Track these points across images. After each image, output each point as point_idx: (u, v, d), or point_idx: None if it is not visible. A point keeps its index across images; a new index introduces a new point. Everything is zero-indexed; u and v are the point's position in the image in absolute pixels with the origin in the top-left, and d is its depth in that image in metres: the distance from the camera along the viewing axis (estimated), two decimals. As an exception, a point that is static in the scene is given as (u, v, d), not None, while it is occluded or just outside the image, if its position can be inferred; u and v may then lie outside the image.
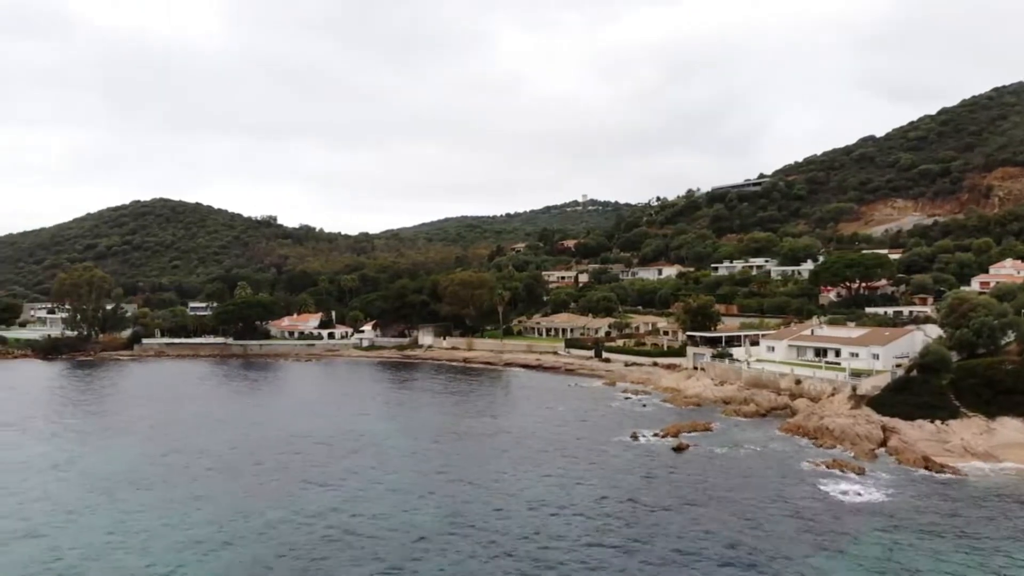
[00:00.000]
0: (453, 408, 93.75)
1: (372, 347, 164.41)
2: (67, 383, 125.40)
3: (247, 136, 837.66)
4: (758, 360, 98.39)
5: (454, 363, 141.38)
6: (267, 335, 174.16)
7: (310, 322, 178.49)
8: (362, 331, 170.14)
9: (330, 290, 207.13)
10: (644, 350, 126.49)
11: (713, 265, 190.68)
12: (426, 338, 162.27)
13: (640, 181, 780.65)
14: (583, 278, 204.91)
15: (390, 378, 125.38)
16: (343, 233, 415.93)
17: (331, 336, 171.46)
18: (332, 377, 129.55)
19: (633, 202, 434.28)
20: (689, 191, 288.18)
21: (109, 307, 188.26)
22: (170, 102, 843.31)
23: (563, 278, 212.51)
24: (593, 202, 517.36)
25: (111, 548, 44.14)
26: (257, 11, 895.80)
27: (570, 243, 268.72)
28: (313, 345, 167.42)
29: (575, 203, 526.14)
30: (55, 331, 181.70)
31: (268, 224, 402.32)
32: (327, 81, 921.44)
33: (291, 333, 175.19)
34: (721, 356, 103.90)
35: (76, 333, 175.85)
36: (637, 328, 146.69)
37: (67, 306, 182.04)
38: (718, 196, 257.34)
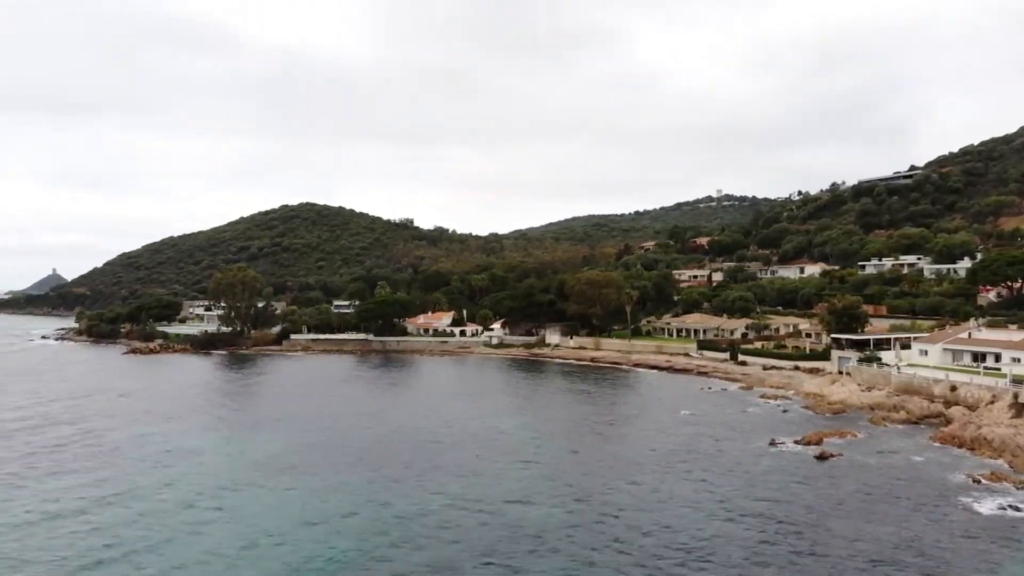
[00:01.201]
0: (582, 407, 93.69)
1: (501, 345, 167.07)
2: (224, 376, 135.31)
3: (390, 141, 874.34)
4: (909, 365, 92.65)
5: (581, 362, 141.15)
6: (404, 332, 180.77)
7: (443, 320, 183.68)
8: (491, 329, 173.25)
9: (461, 289, 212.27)
10: (784, 353, 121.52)
11: (860, 263, 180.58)
12: (553, 337, 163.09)
13: (780, 175, 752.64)
14: (717, 277, 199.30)
15: (519, 375, 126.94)
16: (474, 234, 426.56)
17: (462, 333, 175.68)
18: (465, 373, 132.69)
19: (772, 197, 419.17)
20: (833, 184, 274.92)
21: (260, 305, 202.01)
22: (320, 111, 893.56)
23: (695, 277, 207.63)
24: (728, 197, 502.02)
25: (274, 526, 47.31)
26: (403, 21, 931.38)
27: (703, 240, 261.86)
28: (446, 342, 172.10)
29: (709, 199, 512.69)
30: (211, 327, 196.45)
31: (405, 226, 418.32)
32: (468, 86, 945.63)
33: (425, 330, 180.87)
34: (868, 360, 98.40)
35: (230, 329, 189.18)
36: (776, 330, 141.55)
37: (222, 304, 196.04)
38: (865, 190, 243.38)
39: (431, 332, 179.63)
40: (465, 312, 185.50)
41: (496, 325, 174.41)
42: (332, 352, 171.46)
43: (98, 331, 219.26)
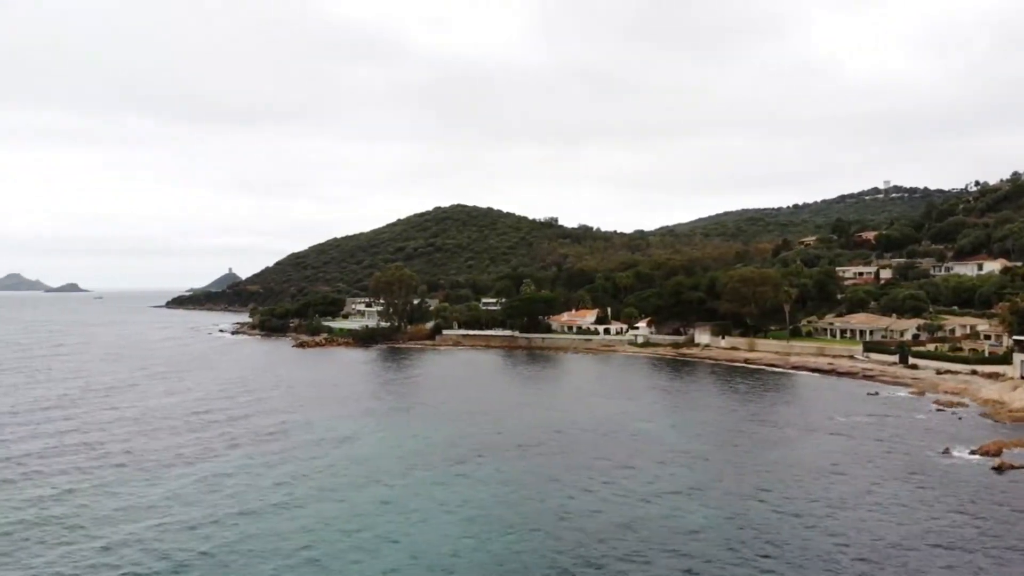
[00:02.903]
0: (740, 409, 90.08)
1: (647, 344, 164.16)
2: (386, 368, 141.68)
3: (538, 141, 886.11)
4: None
5: (733, 363, 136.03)
6: (548, 329, 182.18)
7: (587, 318, 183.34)
8: (637, 327, 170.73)
9: (605, 287, 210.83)
10: (960, 356, 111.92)
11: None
12: (703, 336, 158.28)
13: (954, 164, 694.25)
14: (885, 274, 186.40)
15: (666, 376, 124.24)
16: (618, 231, 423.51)
17: (607, 331, 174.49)
18: (612, 371, 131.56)
19: (946, 188, 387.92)
20: (1015, 174, 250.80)
21: (416, 302, 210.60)
22: (472, 113, 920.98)
23: (861, 274, 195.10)
24: (897, 189, 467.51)
25: (429, 515, 49.03)
26: (565, 21, 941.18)
27: (869, 235, 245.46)
28: (590, 340, 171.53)
29: (875, 190, 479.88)
30: (371, 322, 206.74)
31: (550, 225, 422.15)
32: (621, 85, 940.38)
33: (570, 328, 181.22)
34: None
35: (389, 324, 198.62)
36: (951, 331, 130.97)
37: (381, 300, 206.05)
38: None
39: (575, 329, 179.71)
40: (609, 310, 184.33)
41: (641, 324, 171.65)
42: (480, 347, 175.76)
43: (269, 325, 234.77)
